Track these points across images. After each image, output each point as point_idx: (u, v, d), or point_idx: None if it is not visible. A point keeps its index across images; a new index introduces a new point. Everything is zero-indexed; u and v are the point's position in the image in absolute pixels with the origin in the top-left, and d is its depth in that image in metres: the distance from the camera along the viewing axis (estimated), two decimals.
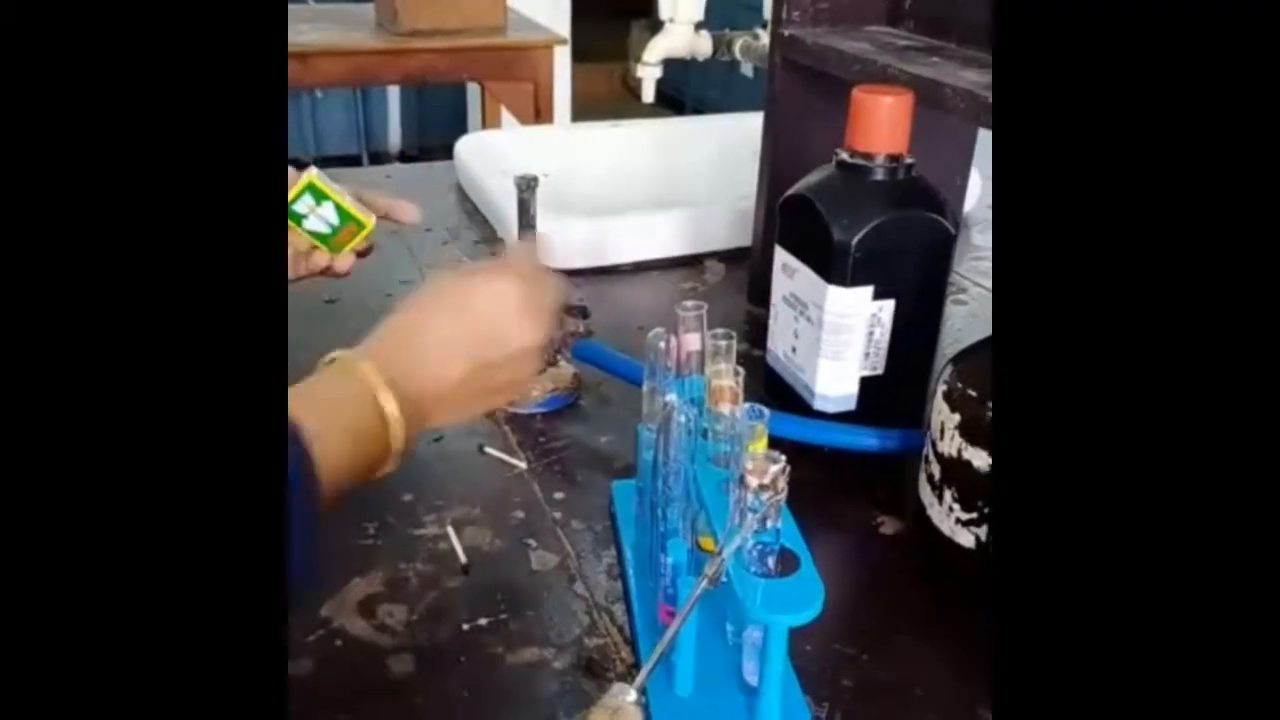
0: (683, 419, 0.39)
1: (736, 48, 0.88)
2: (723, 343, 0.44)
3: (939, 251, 0.53)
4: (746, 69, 3.78)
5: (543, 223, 0.81)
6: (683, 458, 0.40)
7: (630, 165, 1.08)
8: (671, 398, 0.39)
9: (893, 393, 0.55)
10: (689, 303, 0.45)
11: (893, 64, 0.57)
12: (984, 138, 0.81)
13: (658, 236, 0.84)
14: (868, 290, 0.52)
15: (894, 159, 0.52)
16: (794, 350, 0.56)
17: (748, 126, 1.13)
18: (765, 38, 0.89)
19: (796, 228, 0.55)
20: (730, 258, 0.85)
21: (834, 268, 0.51)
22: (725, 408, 0.42)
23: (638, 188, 1.06)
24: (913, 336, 0.54)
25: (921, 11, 0.66)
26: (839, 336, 0.53)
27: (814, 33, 0.67)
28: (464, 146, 1.03)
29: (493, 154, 1.01)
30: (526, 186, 0.59)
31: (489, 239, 0.88)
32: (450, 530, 0.50)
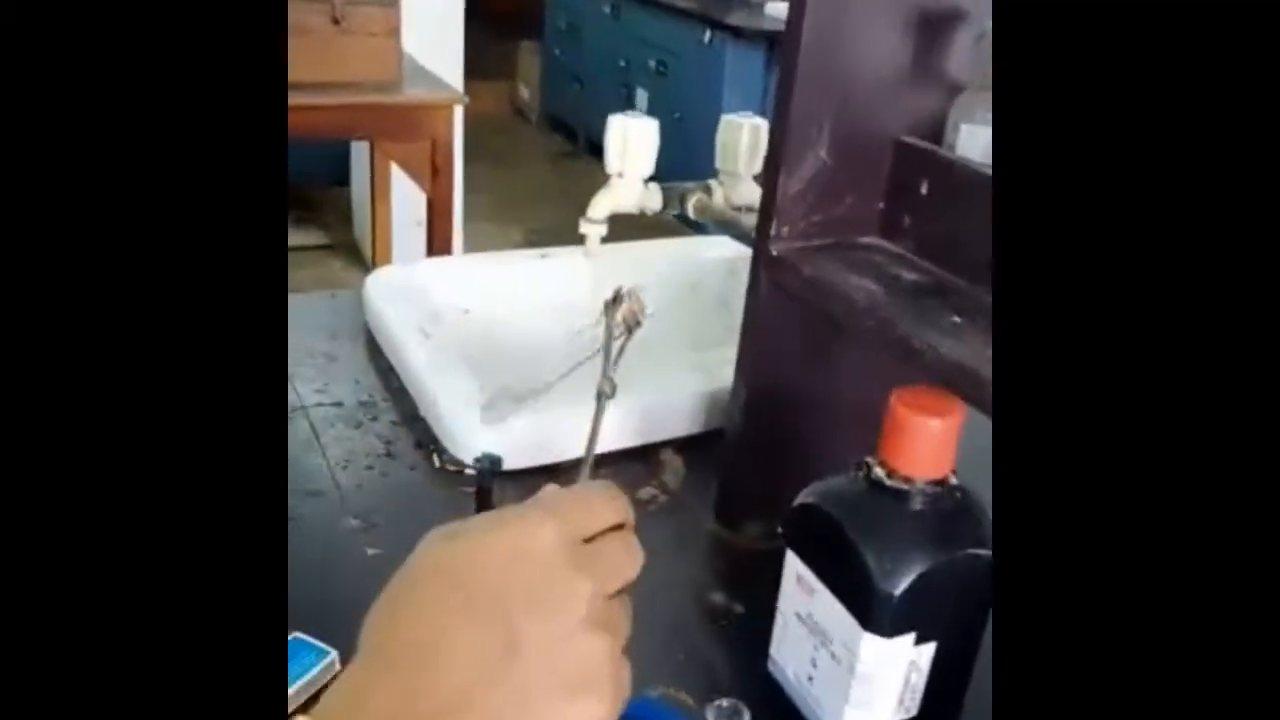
0: None
1: (690, 205, 0.80)
2: None
3: (986, 588, 0.45)
4: (641, 101, 3.71)
5: (464, 397, 0.71)
6: None
7: (563, 297, 0.98)
8: None
9: None
10: None
11: (914, 334, 0.50)
12: None
13: (606, 429, 0.75)
14: (909, 638, 0.44)
15: (939, 483, 0.44)
16: (810, 679, 0.48)
17: (689, 254, 1.05)
18: (719, 193, 0.82)
19: (816, 543, 0.47)
20: (686, 446, 0.77)
21: (873, 616, 0.44)
22: None
23: (573, 322, 0.97)
24: (951, 674, 0.46)
25: (923, 235, 0.59)
26: (872, 687, 0.45)
27: (805, 254, 0.59)
28: (376, 284, 0.91)
29: (413, 292, 0.90)
30: (489, 470, 0.49)
31: (410, 417, 0.77)
32: None
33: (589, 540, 0.34)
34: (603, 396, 0.42)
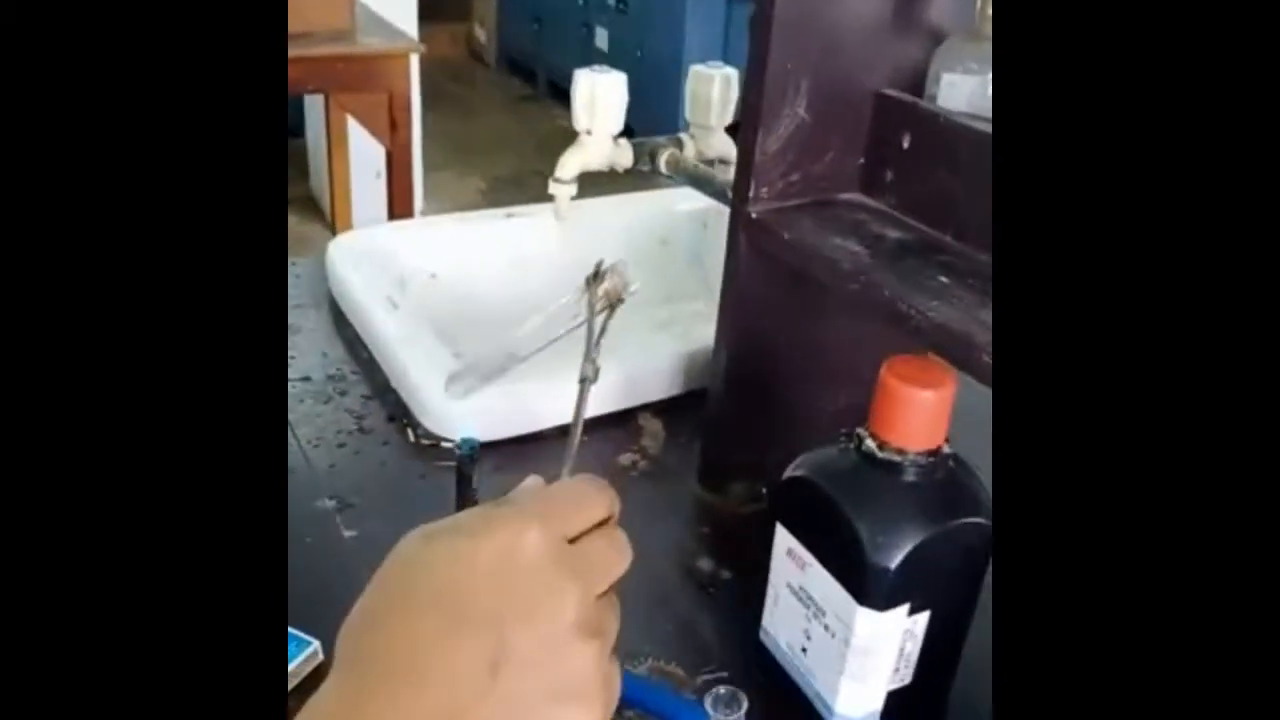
0: None
1: (661, 160, 0.78)
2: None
3: (979, 554, 0.45)
4: (601, 40, 3.63)
5: (436, 369, 0.69)
6: None
7: (531, 257, 0.96)
8: None
9: (918, 699, 0.47)
10: None
11: (901, 297, 0.48)
12: None
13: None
14: (903, 609, 0.44)
15: (932, 453, 0.43)
16: (804, 650, 0.48)
17: (655, 208, 1.03)
18: (690, 147, 0.79)
19: (807, 515, 0.46)
20: (664, 409, 0.76)
21: (868, 591, 0.43)
22: None
23: (542, 282, 0.94)
24: (945, 640, 0.46)
25: (905, 190, 0.57)
26: (867, 659, 0.44)
27: (784, 215, 0.57)
28: (339, 249, 0.88)
29: (378, 257, 0.87)
30: (469, 456, 0.47)
31: (381, 389, 0.75)
32: None
33: (575, 539, 0.33)
34: (586, 382, 0.40)
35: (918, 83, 0.58)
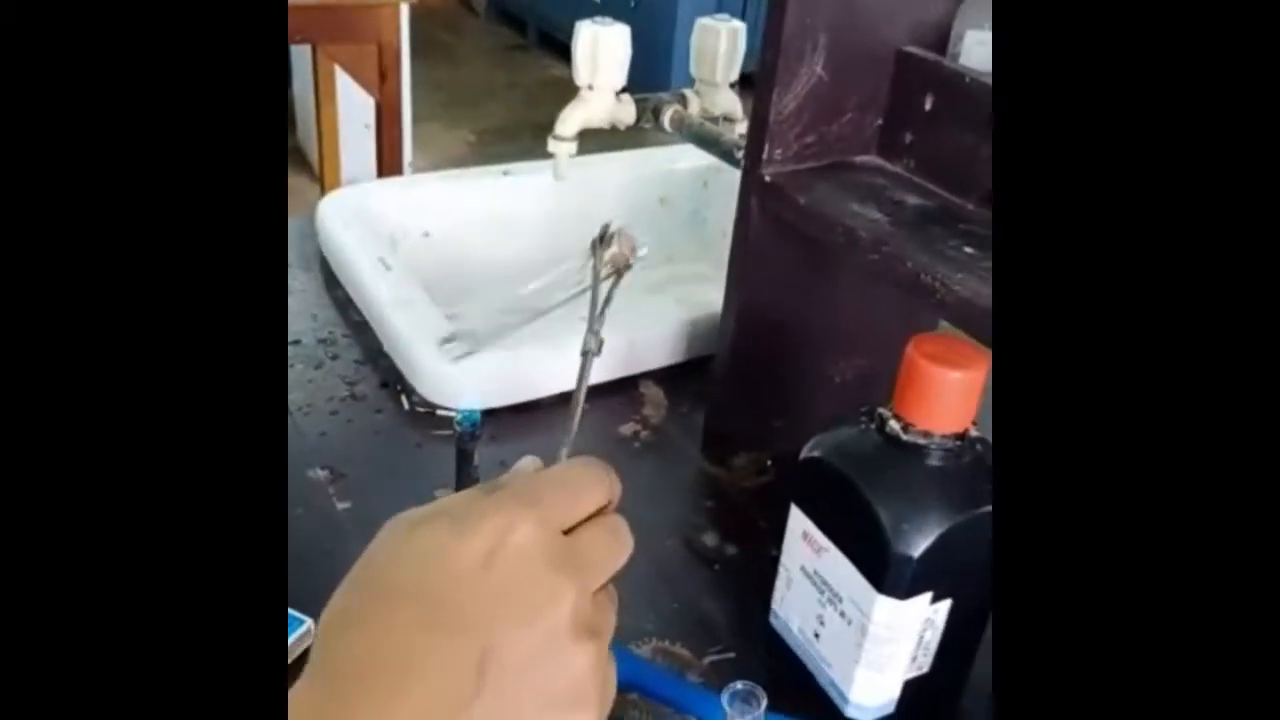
0: None
1: (666, 118, 0.74)
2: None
3: None
4: None
5: (431, 333, 0.67)
6: None
7: (526, 215, 0.93)
8: None
9: (936, 687, 0.45)
10: None
11: (924, 269, 0.46)
12: None
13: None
14: (925, 598, 0.42)
15: (959, 436, 0.41)
16: (817, 637, 0.46)
17: (654, 166, 1.00)
18: (695, 104, 0.76)
19: (824, 498, 0.44)
20: (665, 377, 0.73)
21: (888, 579, 0.41)
22: None
23: (539, 241, 0.92)
24: (966, 628, 0.44)
25: (925, 153, 0.55)
26: (885, 648, 0.43)
27: (799, 178, 0.54)
28: (330, 207, 0.85)
29: (370, 216, 0.84)
30: (470, 432, 0.44)
31: (374, 353, 0.73)
32: None
33: (571, 529, 0.31)
34: (588, 355, 0.38)
35: (941, 40, 0.55)
